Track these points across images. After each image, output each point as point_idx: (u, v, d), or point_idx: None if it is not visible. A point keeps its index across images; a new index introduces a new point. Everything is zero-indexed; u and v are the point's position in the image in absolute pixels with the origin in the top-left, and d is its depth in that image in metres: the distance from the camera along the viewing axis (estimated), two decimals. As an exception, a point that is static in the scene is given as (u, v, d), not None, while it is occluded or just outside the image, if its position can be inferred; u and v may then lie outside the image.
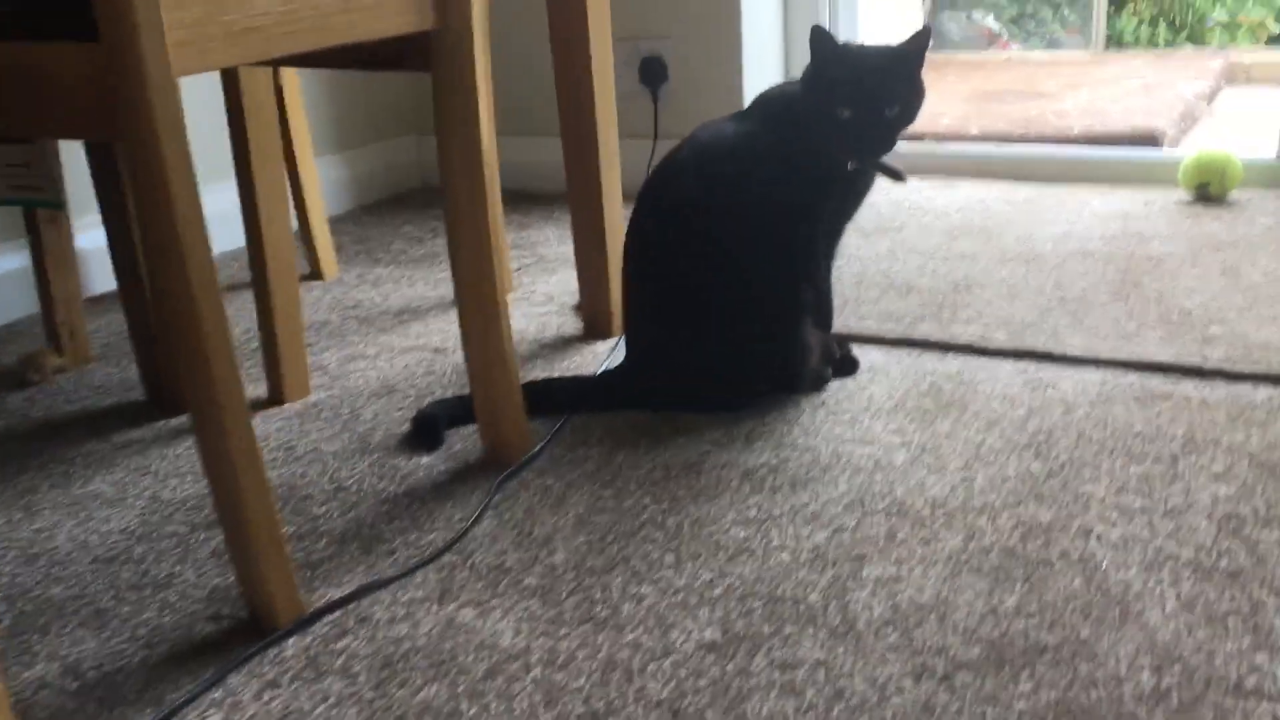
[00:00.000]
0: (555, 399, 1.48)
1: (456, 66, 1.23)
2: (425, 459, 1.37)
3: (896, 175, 1.47)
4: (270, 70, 1.49)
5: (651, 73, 2.55)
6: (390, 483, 1.32)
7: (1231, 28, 5.29)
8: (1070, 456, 1.28)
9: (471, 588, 1.10)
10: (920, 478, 1.26)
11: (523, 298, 1.95)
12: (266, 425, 1.49)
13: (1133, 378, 1.47)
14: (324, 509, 1.26)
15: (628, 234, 1.49)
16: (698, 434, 1.39)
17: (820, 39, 1.37)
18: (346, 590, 1.10)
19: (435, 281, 2.07)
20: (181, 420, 1.52)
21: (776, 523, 1.18)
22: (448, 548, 1.17)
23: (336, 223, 2.52)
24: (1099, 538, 1.12)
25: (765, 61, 2.58)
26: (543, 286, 2.01)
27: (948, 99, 3.35)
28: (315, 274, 2.14)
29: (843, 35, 2.67)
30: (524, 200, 2.58)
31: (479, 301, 1.31)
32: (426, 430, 1.41)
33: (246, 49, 1.00)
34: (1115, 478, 1.23)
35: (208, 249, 0.98)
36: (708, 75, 2.52)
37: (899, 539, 1.14)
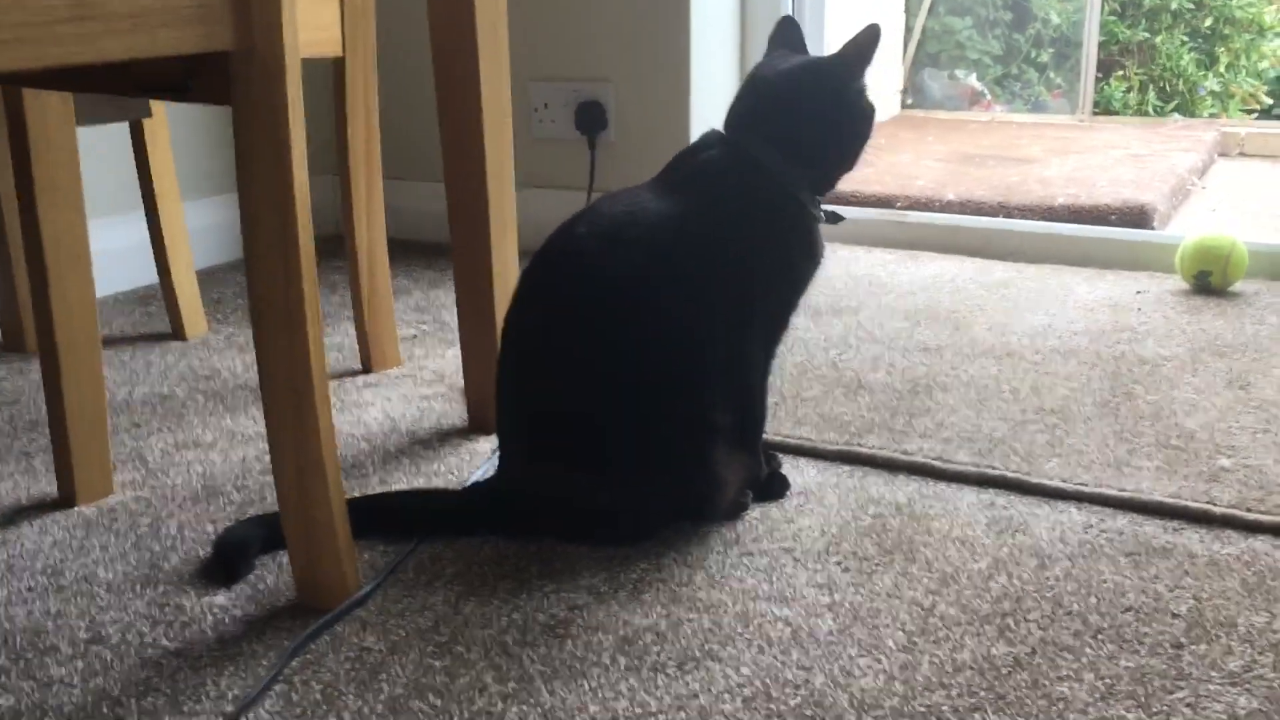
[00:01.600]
0: (403, 518, 1.18)
1: (263, 99, 0.95)
2: (220, 597, 1.07)
3: (833, 218, 1.20)
4: (69, 100, 1.19)
5: (589, 119, 2.28)
6: (165, 632, 1.01)
7: (1224, 98, 5.08)
8: (1043, 638, 0.99)
9: (214, 817, 0.79)
10: (848, 660, 0.96)
11: (407, 375, 1.66)
12: (42, 537, 1.19)
13: (1123, 522, 1.18)
14: (65, 670, 0.96)
15: (506, 322, 1.20)
16: (573, 578, 1.09)
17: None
18: (39, 814, 0.79)
19: (314, 349, 1.77)
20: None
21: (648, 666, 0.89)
22: (203, 747, 0.86)
23: (225, 271, 2.23)
24: (1079, 773, 0.83)
25: (717, 109, 2.30)
26: (435, 362, 1.71)
27: (925, 160, 3.10)
28: (177, 333, 1.84)
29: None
30: (430, 253, 2.29)
31: (287, 393, 1.01)
32: (228, 557, 1.11)
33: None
34: (1101, 675, 0.94)
35: None
36: (652, 124, 2.25)
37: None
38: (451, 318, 1.90)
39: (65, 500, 1.26)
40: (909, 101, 4.92)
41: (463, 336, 1.46)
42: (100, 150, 1.81)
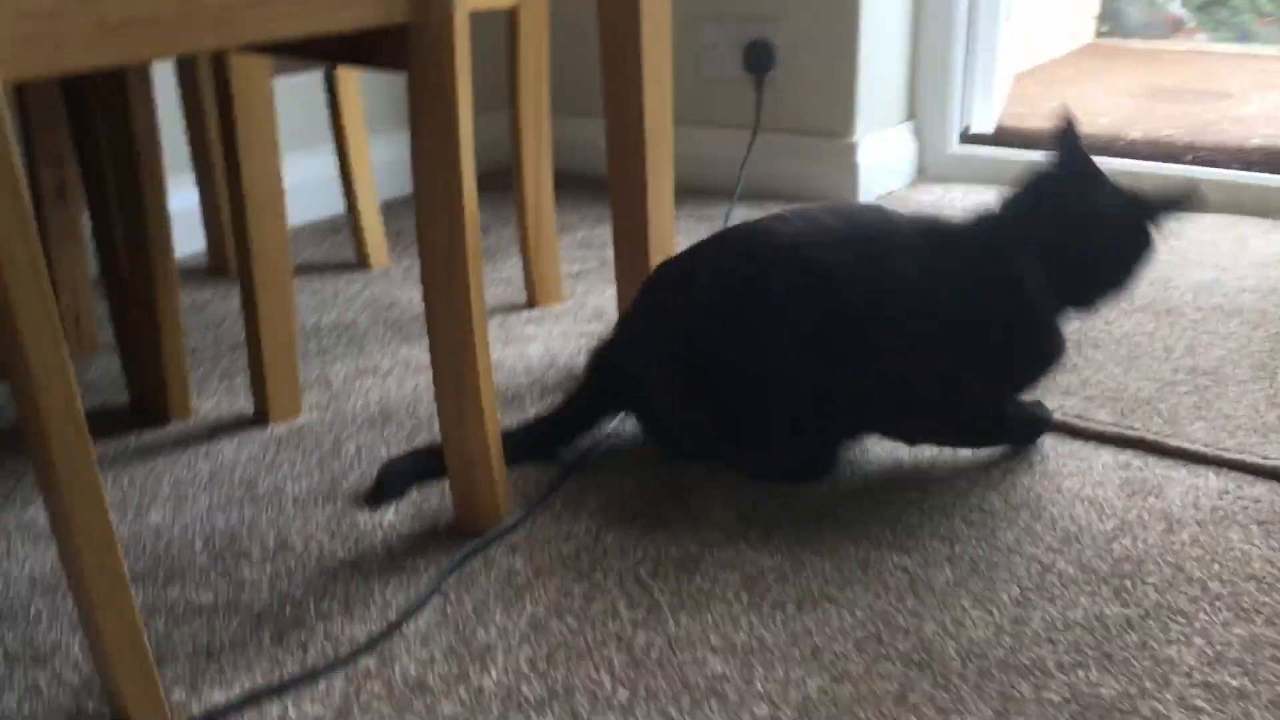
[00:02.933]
0: (548, 436, 1.29)
1: (434, 67, 1.03)
2: (390, 515, 1.19)
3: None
4: (268, 58, 1.31)
5: (757, 58, 2.30)
6: (341, 544, 1.14)
7: None
8: (1159, 601, 1.02)
9: (377, 710, 0.91)
10: (960, 609, 1.01)
11: (569, 311, 1.75)
12: (240, 451, 1.33)
13: (1261, 490, 1.18)
14: (255, 573, 1.09)
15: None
16: (706, 516, 1.17)
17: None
18: (232, 695, 0.92)
19: (489, 282, 1.88)
20: (161, 433, 1.38)
21: (766, 656, 0.96)
22: (368, 647, 0.98)
23: (407, 204, 2.36)
24: (1173, 733, 0.86)
25: (886, 51, 2.30)
26: (596, 299, 1.80)
27: (1112, 95, 2.99)
28: (362, 262, 1.98)
29: (987, 20, 2.36)
30: (599, 189, 2.36)
31: (450, 331, 1.11)
32: (385, 486, 1.22)
33: (121, 46, 0.81)
34: (1213, 641, 0.96)
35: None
36: (820, 64, 2.25)
37: (910, 701, 0.90)
38: (614, 255, 1.98)
39: (260, 418, 1.41)
40: (1104, 29, 4.70)
41: (619, 274, 1.53)
42: (297, 89, 1.94)
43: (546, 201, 1.74)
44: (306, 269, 1.98)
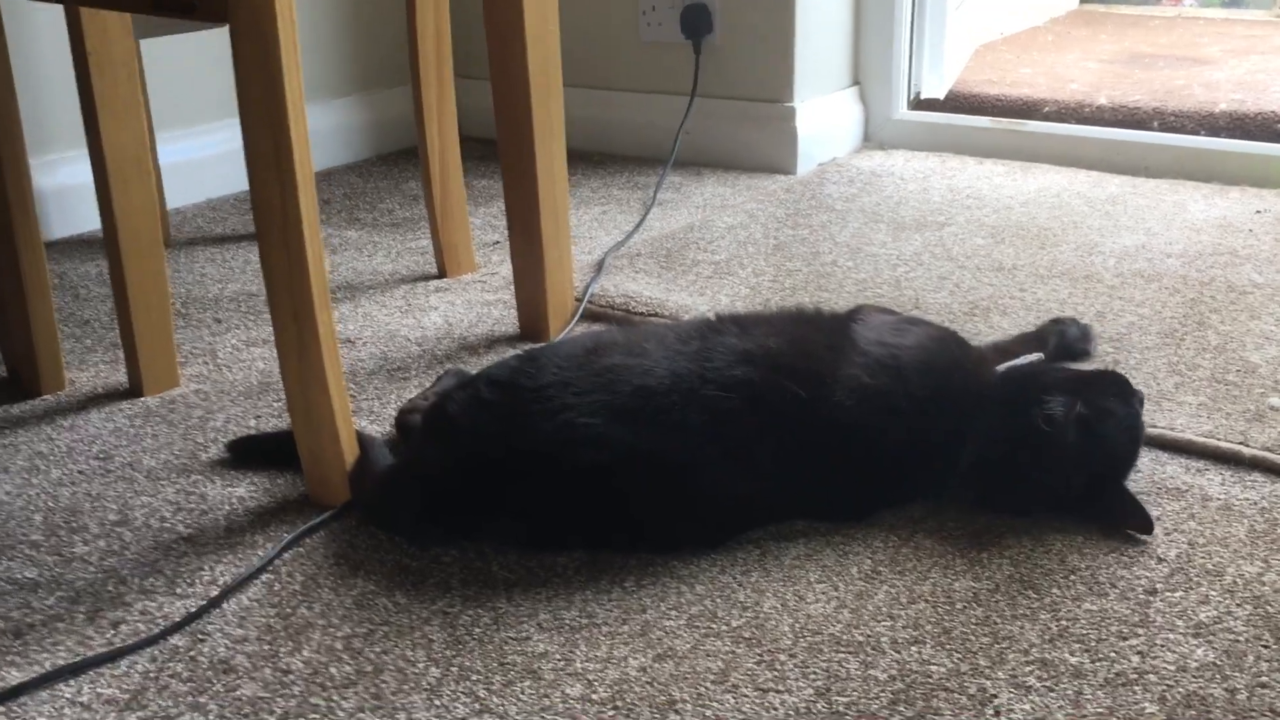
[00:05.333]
0: None
1: (254, 18, 0.99)
2: (241, 489, 1.15)
3: None
4: (127, 16, 1.26)
5: (695, 22, 2.24)
6: (185, 519, 1.10)
7: None
8: (1012, 574, 0.97)
9: (174, 691, 0.87)
10: (805, 584, 0.97)
11: (478, 280, 1.71)
12: (105, 423, 1.30)
13: (1146, 460, 1.13)
14: (89, 548, 1.06)
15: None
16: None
17: None
18: (30, 675, 0.89)
19: (400, 252, 1.84)
20: (30, 405, 1.34)
21: (591, 635, 0.92)
22: (181, 625, 0.94)
23: (339, 173, 2.32)
24: (997, 712, 0.82)
25: (829, 18, 2.24)
26: (509, 268, 1.75)
27: (1088, 61, 2.92)
28: (279, 234, 1.94)
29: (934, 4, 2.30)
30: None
31: (288, 304, 1.07)
32: (236, 452, 1.19)
33: None
34: (1059, 616, 0.92)
35: None
36: (758, 28, 2.19)
37: (731, 680, 0.86)
38: (535, 224, 1.93)
39: (133, 391, 1.37)
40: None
41: (512, 243, 1.49)
42: (224, 58, 1.90)
43: (453, 170, 1.70)
44: (226, 239, 1.94)
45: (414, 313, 1.60)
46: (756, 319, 1.16)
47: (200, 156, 2.10)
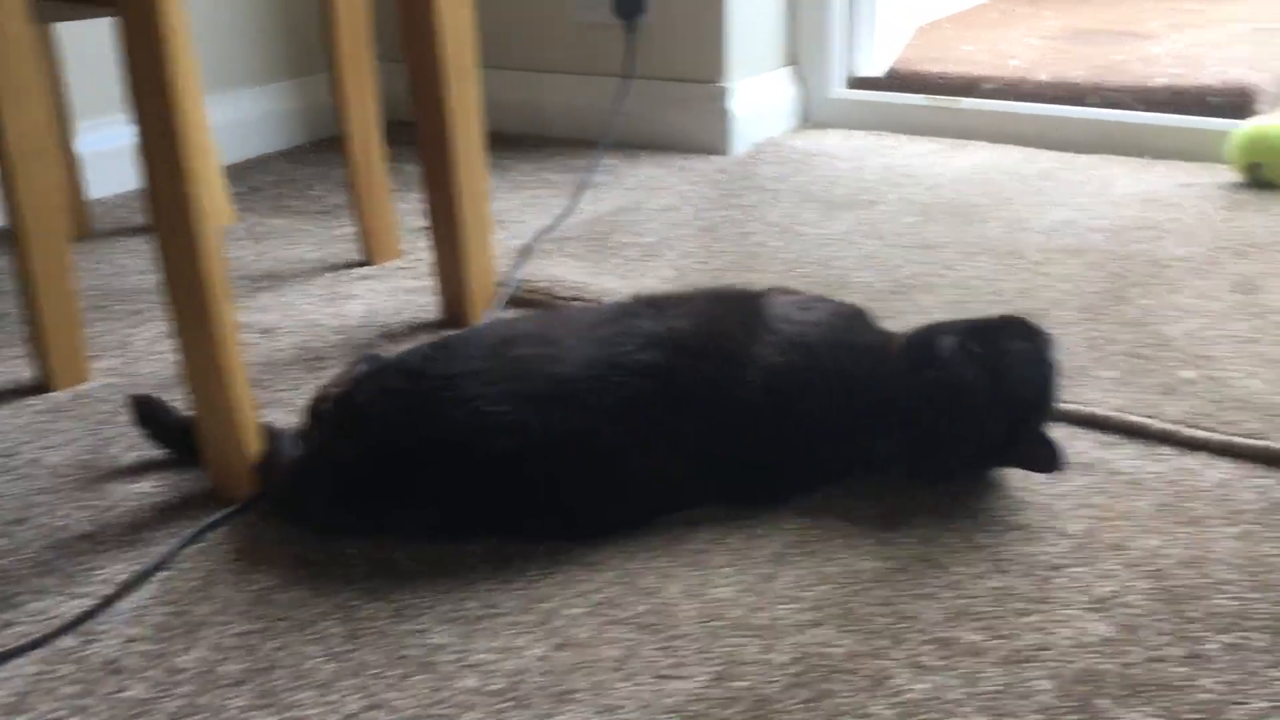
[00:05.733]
0: None
1: (141, 6, 0.96)
2: (146, 484, 1.13)
3: None
4: (20, -2, 1.23)
5: (627, 2, 2.22)
6: (86, 516, 1.08)
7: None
8: (918, 553, 0.97)
9: (60, 694, 0.85)
10: (711, 568, 0.96)
11: (404, 268, 1.69)
12: (12, 420, 1.27)
13: (1061, 434, 1.13)
14: (-14, 548, 1.04)
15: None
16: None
17: None
18: (-88, 680, 0.87)
19: (326, 239, 1.82)
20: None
21: (492, 625, 0.91)
22: (71, 626, 0.92)
23: (272, 160, 2.29)
24: (893, 693, 0.82)
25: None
26: (435, 254, 1.73)
27: (1030, 37, 2.92)
28: (204, 223, 1.91)
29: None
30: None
31: (185, 294, 1.05)
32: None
33: None
34: (961, 594, 0.92)
35: None
36: (691, 8, 2.18)
37: (629, 667, 0.85)
38: (465, 209, 1.91)
39: (42, 386, 1.34)
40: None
41: (432, 229, 1.47)
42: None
43: (376, 156, 1.67)
44: (142, 231, 1.90)
45: (336, 301, 1.57)
46: (672, 300, 1.15)
47: (122, 145, 2.05)
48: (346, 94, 1.62)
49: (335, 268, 1.70)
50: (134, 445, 1.20)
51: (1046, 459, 1.03)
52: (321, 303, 1.56)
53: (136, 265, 1.73)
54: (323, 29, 1.59)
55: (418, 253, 1.74)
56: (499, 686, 0.84)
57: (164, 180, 1.01)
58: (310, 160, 2.26)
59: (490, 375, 1.01)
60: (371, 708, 0.82)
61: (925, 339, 1.07)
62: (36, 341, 1.33)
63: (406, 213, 1.86)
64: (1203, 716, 0.78)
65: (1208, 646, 0.84)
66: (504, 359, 1.03)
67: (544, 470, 0.99)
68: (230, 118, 2.24)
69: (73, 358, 1.35)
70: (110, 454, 1.19)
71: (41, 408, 1.30)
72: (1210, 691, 0.80)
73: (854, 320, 1.14)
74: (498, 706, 0.82)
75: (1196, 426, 1.12)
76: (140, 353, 1.43)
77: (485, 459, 0.98)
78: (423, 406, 1.01)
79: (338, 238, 1.82)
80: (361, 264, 1.71)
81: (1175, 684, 0.81)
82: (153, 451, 1.18)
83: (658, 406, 1.01)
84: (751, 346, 1.05)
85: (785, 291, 1.20)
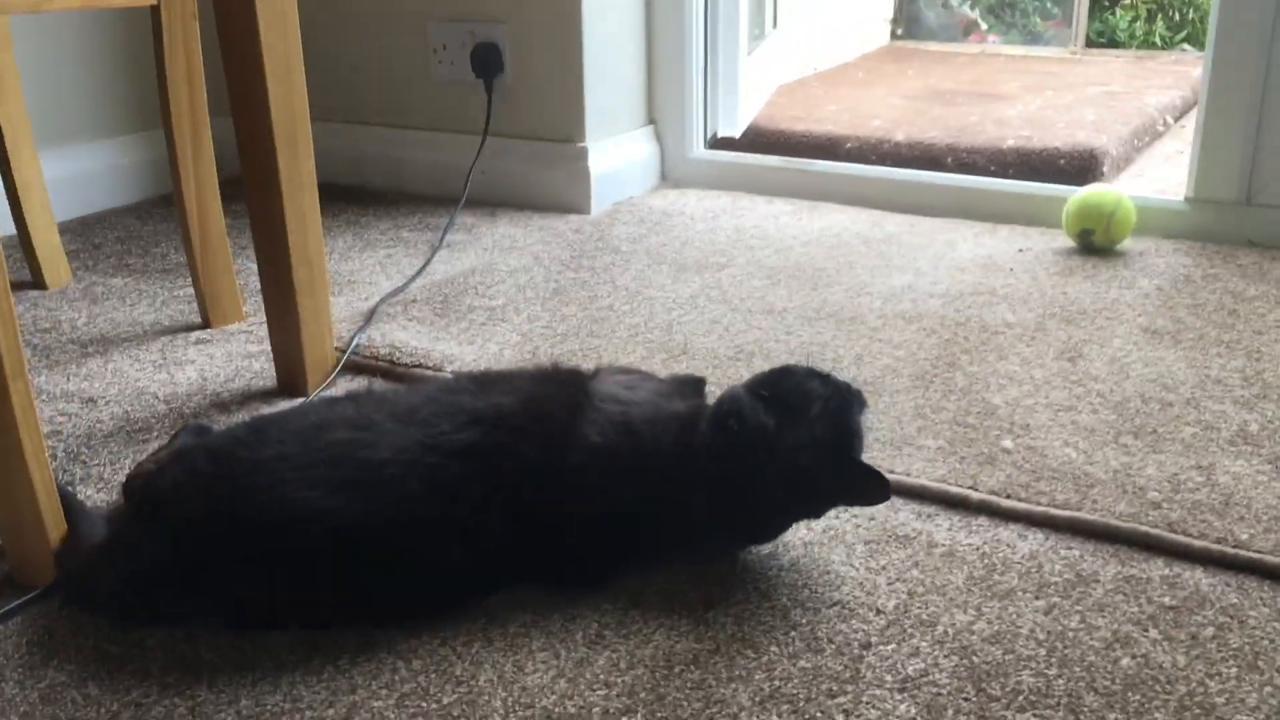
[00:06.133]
0: None
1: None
2: (-61, 572, 1.07)
3: None
4: None
5: (485, 62, 2.22)
6: None
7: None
8: (734, 633, 0.97)
9: None
10: (526, 652, 0.94)
11: (244, 330, 1.65)
12: None
13: (881, 507, 1.15)
14: None
15: None
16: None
17: None
18: None
19: (165, 300, 1.76)
20: None
21: None
22: None
23: (116, 215, 2.22)
24: (697, 784, 0.81)
25: (620, 59, 2.25)
26: (277, 317, 1.69)
27: (892, 97, 3.01)
28: (38, 282, 1.84)
29: (728, 26, 2.33)
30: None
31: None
32: None
33: None
34: (773, 676, 0.91)
35: None
36: (547, 68, 2.19)
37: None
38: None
39: None
40: (899, 32, 4.76)
41: (264, 293, 1.44)
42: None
43: (213, 216, 1.63)
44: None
45: (168, 367, 1.53)
46: (496, 377, 1.13)
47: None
48: (181, 152, 1.58)
49: (172, 330, 1.65)
50: (-69, 527, 1.14)
51: (876, 488, 1.02)
52: (152, 369, 1.51)
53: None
54: (158, 85, 1.55)
55: (260, 315, 1.70)
56: (293, 788, 0.81)
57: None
58: (158, 216, 2.20)
59: (301, 460, 0.99)
60: (153, 816, 0.79)
61: (720, 400, 1.07)
62: None
63: (251, 273, 1.82)
64: (997, 799, 0.79)
65: (1006, 726, 0.86)
66: (317, 444, 1.01)
67: (352, 558, 0.96)
68: (73, 172, 2.18)
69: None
70: (-96, 537, 1.13)
71: None
72: (1005, 773, 0.81)
73: (679, 393, 1.14)
74: (289, 810, 0.79)
75: (1013, 497, 1.14)
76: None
77: (292, 546, 0.96)
78: (230, 492, 0.98)
79: (177, 299, 1.77)
80: (200, 327, 1.67)
81: (973, 766, 0.82)
82: (-49, 534, 1.13)
83: (475, 487, 0.99)
84: (573, 426, 1.04)
85: (620, 371, 1.20)
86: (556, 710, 0.88)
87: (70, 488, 1.19)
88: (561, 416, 1.05)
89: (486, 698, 0.90)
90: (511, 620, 0.99)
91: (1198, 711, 0.86)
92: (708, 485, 1.03)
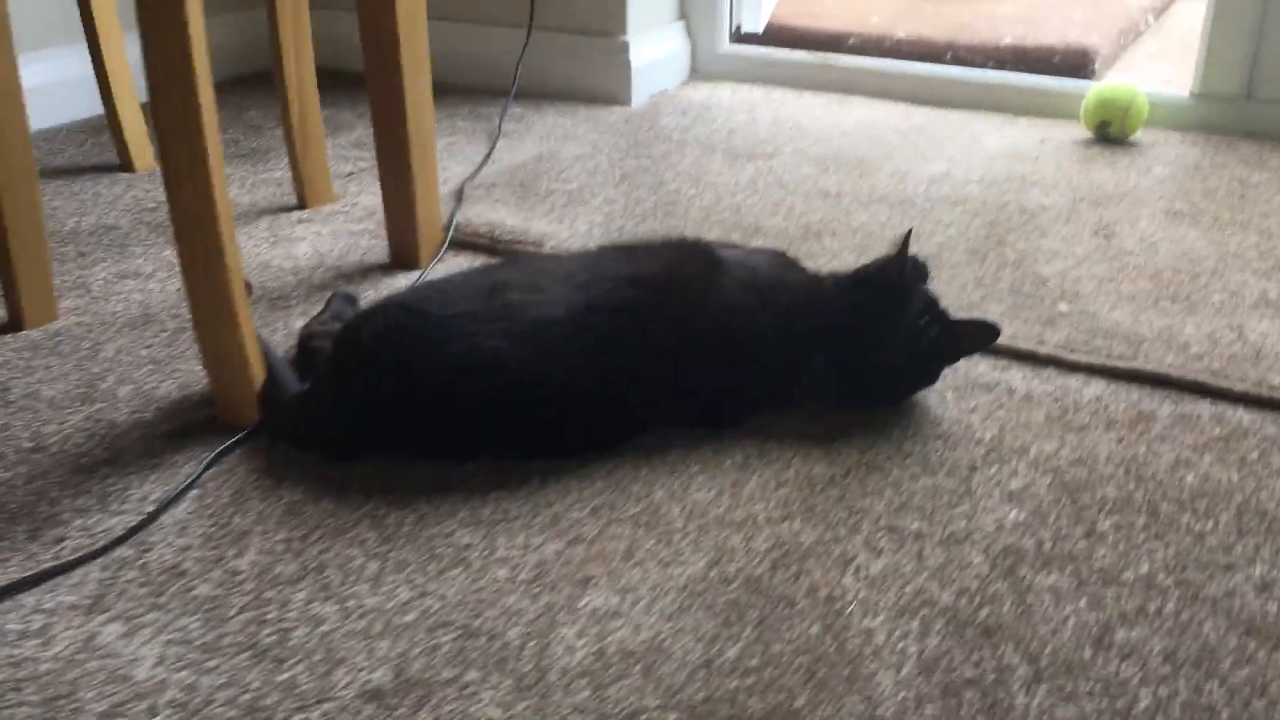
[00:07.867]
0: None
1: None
2: (149, 414, 1.21)
3: None
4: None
5: (529, -44, 2.31)
6: (99, 444, 1.16)
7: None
8: (859, 460, 1.15)
9: (132, 595, 0.95)
10: (687, 475, 1.12)
11: (340, 211, 1.77)
12: (-7, 357, 1.32)
13: (960, 362, 1.32)
14: (10, 473, 1.11)
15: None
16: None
17: None
18: (-14, 589, 0.95)
19: (255, 183, 1.88)
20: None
21: (508, 527, 1.04)
22: (125, 538, 1.02)
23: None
24: (858, 570, 0.99)
25: (656, -49, 2.35)
26: (368, 198, 1.82)
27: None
28: (125, 165, 1.94)
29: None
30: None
31: (195, 230, 1.13)
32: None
33: None
34: (900, 492, 1.10)
35: None
36: (591, -37, 2.29)
37: (636, 557, 1.00)
38: (387, 154, 1.99)
39: (14, 324, 1.39)
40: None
41: (381, 174, 1.56)
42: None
43: (311, 100, 1.74)
44: (67, 171, 1.92)
45: (282, 243, 1.65)
46: (637, 246, 1.29)
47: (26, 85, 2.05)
48: (284, 38, 1.68)
49: (271, 211, 1.77)
50: (125, 379, 1.28)
51: (988, 332, 1.23)
52: (268, 245, 1.64)
53: (68, 207, 1.77)
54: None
55: (350, 197, 1.83)
56: (527, 576, 0.98)
57: (178, 119, 1.09)
58: (230, 101, 2.28)
59: (486, 316, 1.14)
60: (421, 595, 0.95)
61: (855, 284, 1.24)
62: (8, 281, 1.38)
63: (330, 158, 1.94)
64: (1101, 578, 0.98)
65: (1101, 526, 1.05)
66: (496, 303, 1.15)
67: (534, 400, 1.12)
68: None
69: (43, 297, 1.40)
70: (103, 388, 1.26)
71: (18, 345, 1.35)
72: (1106, 559, 1.00)
73: (790, 265, 1.30)
74: (531, 591, 0.96)
75: (1077, 351, 1.33)
76: (100, 293, 1.49)
77: (483, 388, 1.11)
78: (427, 341, 1.13)
79: (265, 181, 1.88)
80: (297, 207, 1.79)
81: (1078, 555, 1.01)
82: (146, 384, 1.27)
83: (633, 339, 1.15)
84: (711, 286, 1.20)
85: (727, 245, 1.36)
86: (727, 518, 1.06)
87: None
88: (701, 279, 1.21)
89: (665, 509, 1.07)
90: (668, 451, 1.16)
91: (1253, 514, 1.06)
92: (832, 356, 1.20)
